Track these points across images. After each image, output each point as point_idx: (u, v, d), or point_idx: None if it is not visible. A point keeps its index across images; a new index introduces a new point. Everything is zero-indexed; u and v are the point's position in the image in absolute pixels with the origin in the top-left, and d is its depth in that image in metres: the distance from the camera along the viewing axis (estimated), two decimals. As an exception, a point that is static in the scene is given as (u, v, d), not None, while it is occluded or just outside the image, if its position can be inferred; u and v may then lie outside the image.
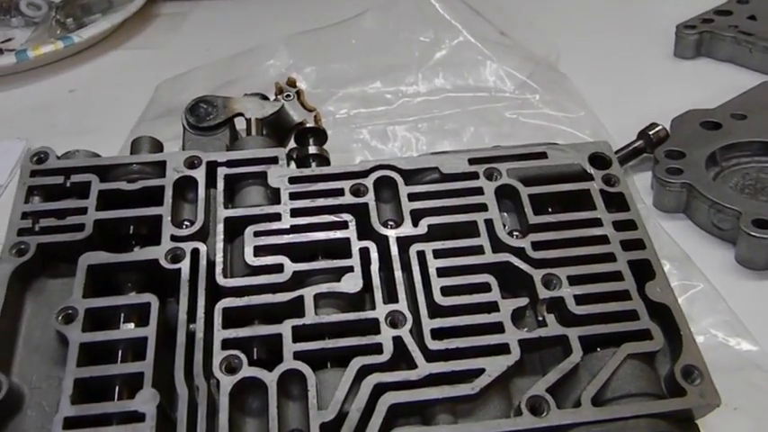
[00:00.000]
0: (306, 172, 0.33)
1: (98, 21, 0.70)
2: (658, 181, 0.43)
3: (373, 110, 0.51)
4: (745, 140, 0.44)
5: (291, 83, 0.40)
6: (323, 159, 0.35)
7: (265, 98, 0.39)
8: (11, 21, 0.79)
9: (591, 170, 0.33)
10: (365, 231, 0.31)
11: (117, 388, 0.27)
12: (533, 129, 0.49)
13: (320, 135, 0.36)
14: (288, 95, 0.39)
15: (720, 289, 0.37)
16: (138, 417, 0.25)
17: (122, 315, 0.29)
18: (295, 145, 0.37)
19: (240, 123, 0.39)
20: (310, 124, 0.37)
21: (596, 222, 0.31)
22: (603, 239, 0.31)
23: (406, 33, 0.54)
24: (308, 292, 0.29)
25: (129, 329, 0.28)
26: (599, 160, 0.34)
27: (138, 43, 0.72)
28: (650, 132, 0.45)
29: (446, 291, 0.29)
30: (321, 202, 0.32)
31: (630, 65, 0.59)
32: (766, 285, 0.38)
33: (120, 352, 0.28)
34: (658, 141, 0.45)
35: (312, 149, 0.35)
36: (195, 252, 0.30)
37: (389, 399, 0.26)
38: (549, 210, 0.33)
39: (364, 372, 0.27)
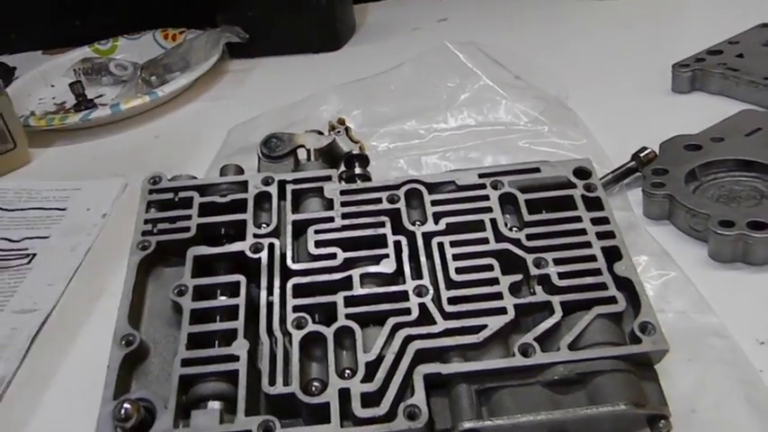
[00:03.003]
0: (353, 186, 0.43)
1: (177, 78, 0.82)
2: (645, 193, 0.51)
3: (409, 143, 0.61)
4: (721, 158, 0.53)
5: (341, 121, 0.51)
6: (365, 178, 0.45)
7: (321, 133, 0.49)
8: (101, 80, 0.93)
9: (574, 180, 0.42)
10: (398, 229, 0.40)
11: (216, 341, 0.37)
12: (543, 155, 0.58)
13: (363, 160, 0.46)
14: (338, 131, 0.50)
15: (694, 278, 0.45)
16: (234, 358, 0.35)
17: (218, 291, 0.39)
18: (344, 168, 0.47)
19: (301, 154, 0.50)
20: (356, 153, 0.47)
21: (577, 219, 0.40)
22: (582, 232, 0.39)
23: (435, 80, 0.64)
24: (355, 273, 0.38)
25: (224, 300, 0.38)
26: (582, 173, 0.43)
27: (211, 96, 0.84)
28: (641, 155, 0.54)
29: (459, 270, 0.38)
30: (365, 208, 0.41)
31: (633, 100, 0.67)
32: (731, 275, 0.45)
33: (217, 316, 0.38)
34: (647, 162, 0.54)
35: (357, 170, 0.45)
36: (271, 246, 0.40)
37: (416, 345, 0.35)
38: (543, 211, 0.42)
39: (397, 327, 0.36)
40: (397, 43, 0.89)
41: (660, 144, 0.56)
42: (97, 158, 0.73)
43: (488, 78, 0.63)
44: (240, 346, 0.35)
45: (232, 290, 0.38)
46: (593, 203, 0.41)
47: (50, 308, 0.53)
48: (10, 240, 0.61)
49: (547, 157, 0.57)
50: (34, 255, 0.59)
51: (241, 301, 0.37)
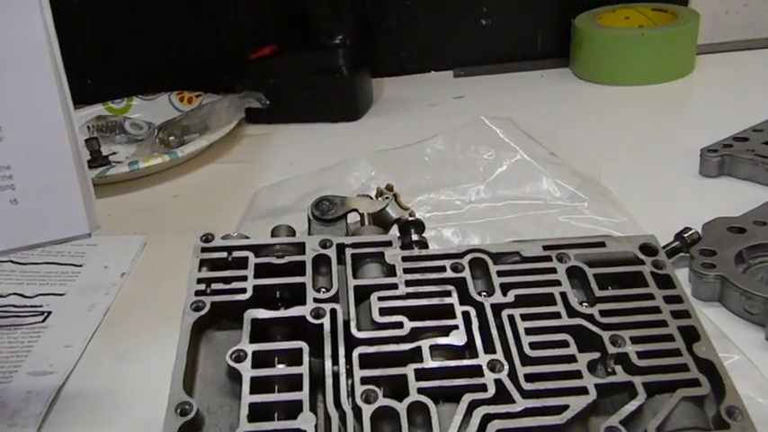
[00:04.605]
0: (414, 253, 0.41)
1: (197, 139, 0.81)
2: (695, 274, 0.50)
3: (445, 213, 0.60)
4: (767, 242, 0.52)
5: (389, 187, 0.49)
6: (423, 244, 0.43)
7: (371, 198, 0.48)
8: (115, 138, 0.91)
9: (642, 256, 0.41)
10: (465, 299, 0.39)
11: (276, 413, 0.34)
12: (583, 231, 0.57)
13: (420, 226, 0.45)
14: (386, 197, 0.49)
15: (754, 361, 0.44)
16: (307, 433, 0.32)
17: (276, 358, 0.36)
18: (399, 234, 0.45)
19: (349, 218, 0.48)
20: (410, 219, 0.46)
21: (650, 296, 0.39)
22: (657, 310, 0.38)
23: (471, 153, 0.64)
24: (425, 344, 0.36)
25: (284, 368, 0.36)
26: (648, 249, 0.42)
27: (230, 158, 0.83)
28: (685, 235, 0.53)
29: (534, 345, 0.36)
30: (429, 276, 0.40)
31: (662, 182, 0.68)
32: (794, 360, 0.44)
33: (276, 386, 0.35)
34: (692, 242, 0.53)
35: (414, 237, 0.44)
36: (333, 311, 0.38)
37: (496, 425, 0.33)
38: (609, 287, 0.40)
39: (473, 405, 0.34)
40: (416, 117, 0.90)
41: (703, 225, 0.55)
42: (113, 215, 0.71)
43: (524, 153, 0.63)
44: (306, 420, 0.33)
45: (291, 357, 0.36)
46: (664, 281, 0.40)
47: (68, 371, 0.49)
48: (23, 296, 0.57)
49: (587, 234, 0.56)
50: (49, 312, 0.56)
51: (305, 369, 0.35)
